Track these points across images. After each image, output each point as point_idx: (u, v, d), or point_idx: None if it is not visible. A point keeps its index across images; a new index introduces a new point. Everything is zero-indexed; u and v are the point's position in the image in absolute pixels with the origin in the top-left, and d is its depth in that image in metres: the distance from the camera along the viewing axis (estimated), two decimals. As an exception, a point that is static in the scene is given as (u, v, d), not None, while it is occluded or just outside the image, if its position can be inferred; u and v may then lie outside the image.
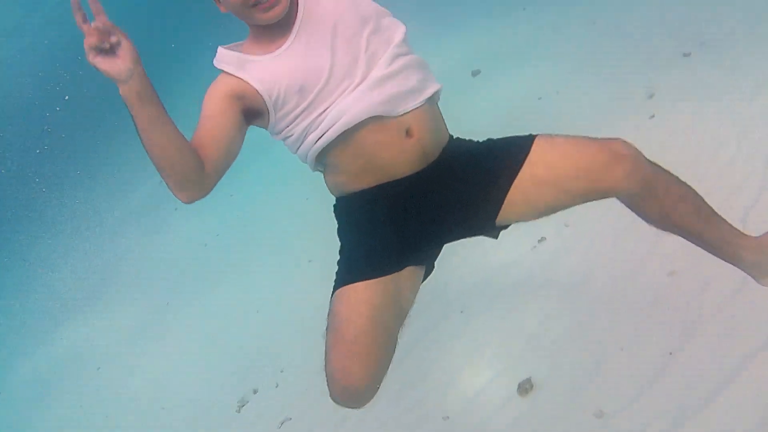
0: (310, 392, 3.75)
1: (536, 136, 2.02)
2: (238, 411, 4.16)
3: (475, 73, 6.70)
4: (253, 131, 2.07)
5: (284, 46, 1.93)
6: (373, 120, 1.91)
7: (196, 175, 1.81)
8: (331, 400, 1.92)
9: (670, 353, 2.63)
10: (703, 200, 2.01)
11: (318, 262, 5.00)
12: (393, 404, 3.25)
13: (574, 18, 6.53)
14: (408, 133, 1.96)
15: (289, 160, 2.15)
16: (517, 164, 1.97)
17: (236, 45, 2.04)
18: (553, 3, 7.16)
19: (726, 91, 4.00)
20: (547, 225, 3.60)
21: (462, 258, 3.78)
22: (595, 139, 1.95)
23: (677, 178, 1.99)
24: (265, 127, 2.05)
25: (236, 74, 1.93)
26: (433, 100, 2.07)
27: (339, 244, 2.14)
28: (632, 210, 2.04)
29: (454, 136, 2.17)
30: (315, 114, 1.92)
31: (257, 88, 1.91)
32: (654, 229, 2.97)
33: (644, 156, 1.93)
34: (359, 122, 1.90)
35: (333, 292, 1.98)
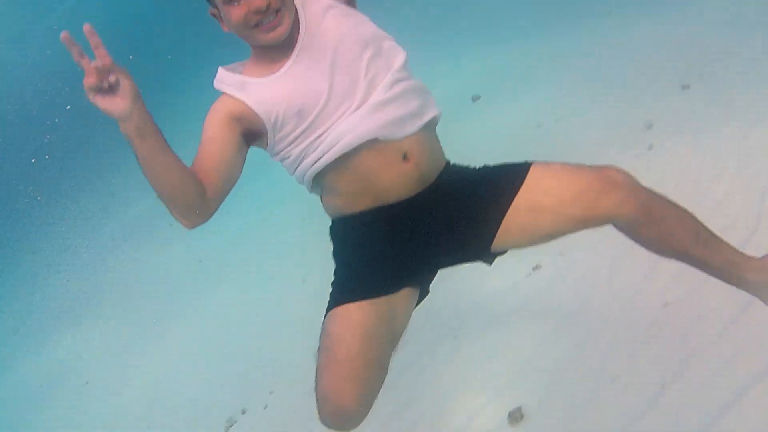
0: (298, 414, 3.71)
1: (532, 163, 2.02)
2: (226, 431, 4.12)
3: (475, 99, 6.73)
4: (252, 150, 2.07)
5: (284, 69, 1.94)
6: (371, 144, 1.91)
7: (198, 203, 1.82)
8: (320, 423, 1.90)
9: (663, 386, 2.61)
10: (702, 224, 1.99)
11: (312, 282, 4.98)
12: (382, 429, 3.22)
13: (574, 48, 6.58)
14: (405, 157, 1.96)
15: (287, 178, 2.15)
16: (513, 190, 1.97)
17: (237, 65, 2.05)
18: (555, 33, 7.22)
19: (724, 124, 4.02)
20: (542, 253, 3.60)
21: (456, 283, 3.76)
22: (590, 166, 1.96)
23: (674, 202, 1.99)
24: (265, 148, 2.06)
25: (236, 95, 1.94)
26: (431, 125, 2.08)
27: (333, 265, 2.13)
28: (630, 237, 2.02)
29: (451, 162, 2.17)
30: (313, 136, 1.93)
31: (256, 110, 1.92)
32: (649, 259, 2.97)
33: (639, 182, 1.94)
34: (357, 146, 1.90)
35: (326, 313, 1.97)
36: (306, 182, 2.07)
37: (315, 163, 1.96)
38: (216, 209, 1.92)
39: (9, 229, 12.96)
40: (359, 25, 2.02)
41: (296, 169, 2.03)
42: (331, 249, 2.18)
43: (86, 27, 1.58)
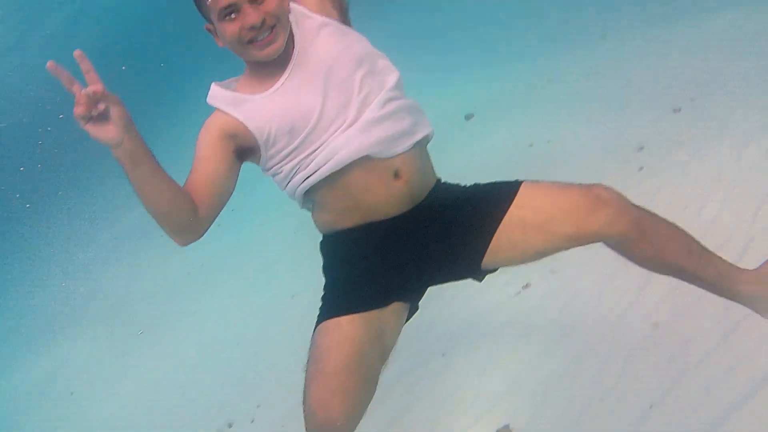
0: (285, 429, 3.70)
1: (522, 181, 2.04)
2: (212, 444, 4.10)
3: (468, 117, 6.77)
4: (245, 163, 2.08)
5: (276, 85, 1.95)
6: (363, 161, 1.92)
7: (190, 222, 1.85)
8: (307, 438, 1.89)
9: (651, 406, 2.62)
10: (693, 238, 2.00)
11: (302, 297, 4.97)
12: (370, 445, 3.20)
13: (568, 69, 6.64)
14: (396, 175, 1.97)
15: (279, 193, 2.15)
16: (503, 208, 1.98)
17: (231, 81, 2.06)
18: (549, 55, 7.28)
19: (715, 146, 4.06)
20: (532, 271, 3.62)
21: (446, 301, 3.77)
22: (579, 184, 1.97)
23: (663, 218, 1.99)
24: (257, 163, 2.07)
25: (229, 112, 1.95)
26: (422, 143, 2.09)
27: (324, 280, 2.13)
28: (622, 254, 2.02)
29: (442, 180, 2.18)
30: (305, 153, 1.93)
31: (249, 127, 1.93)
32: (639, 279, 2.99)
33: (627, 199, 1.95)
34: (349, 163, 1.91)
35: (316, 326, 1.97)
36: (297, 198, 2.07)
37: (306, 179, 1.97)
38: (208, 227, 1.94)
39: (-2, 237, 12.88)
40: (354, 43, 2.02)
41: (287, 184, 2.03)
42: (321, 264, 2.19)
43: (77, 53, 1.58)
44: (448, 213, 2.05)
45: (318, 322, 1.96)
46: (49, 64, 1.53)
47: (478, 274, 2.08)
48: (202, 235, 1.94)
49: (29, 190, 12.96)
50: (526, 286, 3.67)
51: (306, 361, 1.91)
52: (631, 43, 6.53)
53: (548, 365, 3.11)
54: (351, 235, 2.06)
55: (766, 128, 3.99)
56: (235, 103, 1.96)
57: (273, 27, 1.85)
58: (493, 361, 3.31)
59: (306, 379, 1.86)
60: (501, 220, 1.97)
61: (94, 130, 1.59)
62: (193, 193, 1.86)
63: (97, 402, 5.57)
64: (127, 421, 4.98)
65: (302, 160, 1.95)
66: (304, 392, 1.83)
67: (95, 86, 1.56)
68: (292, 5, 2.02)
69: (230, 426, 4.15)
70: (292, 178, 1.99)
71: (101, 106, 1.58)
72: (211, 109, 2.01)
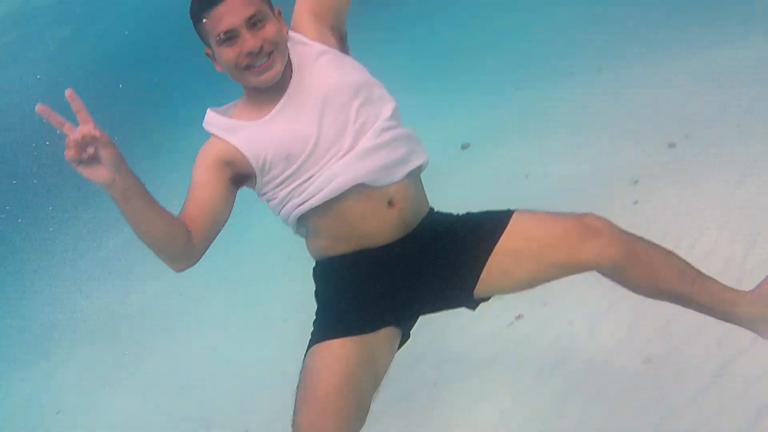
0: (273, 454, 3.66)
1: (514, 210, 2.05)
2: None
3: (464, 147, 6.80)
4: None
5: (273, 112, 1.96)
6: (357, 189, 1.93)
7: (184, 251, 1.86)
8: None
9: (642, 442, 2.60)
10: (686, 262, 1.99)
11: (293, 322, 4.94)
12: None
13: (565, 102, 6.69)
14: (390, 203, 1.98)
15: (274, 217, 2.15)
16: (495, 236, 1.99)
17: (227, 107, 2.07)
18: (546, 86, 7.34)
19: (708, 183, 4.09)
20: (524, 302, 3.61)
21: (438, 330, 3.75)
22: (571, 214, 1.99)
23: (656, 244, 1.99)
24: (253, 188, 2.07)
25: (225, 138, 1.96)
26: (417, 172, 2.10)
27: (316, 306, 2.12)
28: (616, 281, 2.01)
29: (434, 209, 2.19)
30: (300, 180, 1.94)
31: (245, 153, 1.93)
32: (631, 314, 2.98)
33: (619, 227, 1.95)
34: (343, 190, 1.91)
35: (307, 349, 1.96)
36: (290, 223, 2.08)
37: (300, 205, 1.97)
38: (203, 254, 1.95)
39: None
40: (351, 71, 2.04)
41: (281, 210, 2.04)
42: (314, 289, 2.18)
43: (68, 92, 1.59)
44: (440, 241, 2.05)
45: (309, 346, 1.96)
46: (38, 107, 1.55)
47: (471, 302, 2.08)
48: (197, 262, 1.94)
49: (21, 204, 12.92)
50: (519, 317, 3.66)
51: (296, 384, 1.89)
52: (626, 77, 6.59)
53: (539, 398, 3.09)
54: (344, 261, 2.06)
55: (761, 165, 4.02)
56: (232, 130, 1.97)
57: (271, 53, 1.86)
58: (484, 392, 3.29)
59: (296, 401, 1.84)
60: (493, 248, 1.98)
61: (85, 171, 1.60)
62: (188, 221, 1.87)
63: (84, 422, 5.49)
64: (113, 442, 4.92)
65: (297, 186, 1.95)
66: (294, 415, 1.82)
67: (84, 128, 1.56)
68: (291, 33, 2.04)
69: (217, 450, 4.11)
70: (286, 204, 2.00)
71: (90, 150, 1.59)
72: (208, 134, 2.02)
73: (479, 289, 2.01)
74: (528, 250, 1.95)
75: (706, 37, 6.49)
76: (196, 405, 4.73)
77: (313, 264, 2.19)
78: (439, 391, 3.47)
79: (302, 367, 1.91)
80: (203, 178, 1.94)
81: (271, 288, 5.87)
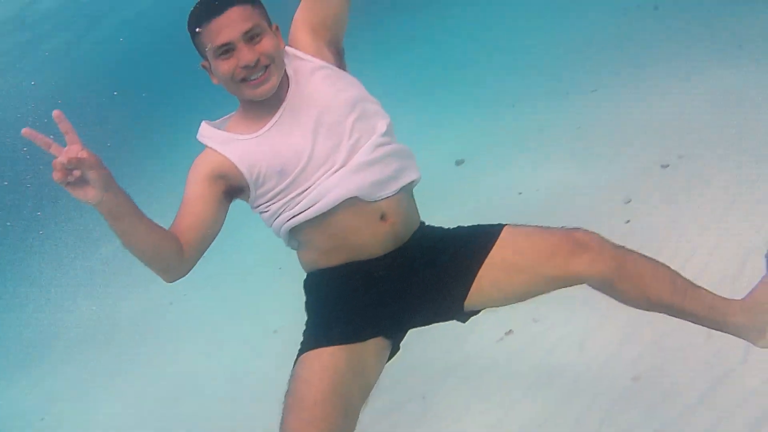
0: (260, 465, 3.64)
1: (505, 225, 2.07)
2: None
3: (459, 163, 6.84)
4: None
5: (268, 126, 1.97)
6: (350, 203, 1.94)
7: (174, 264, 1.88)
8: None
9: (629, 460, 2.61)
10: (677, 273, 2.01)
11: (283, 333, 4.94)
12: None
13: (560, 120, 6.74)
14: (383, 217, 1.99)
15: (266, 228, 2.16)
16: (486, 250, 2.01)
17: (222, 120, 2.08)
18: (541, 104, 7.40)
19: (700, 204, 4.12)
20: (515, 318, 3.62)
21: (428, 344, 3.75)
22: (560, 228, 2.02)
23: (646, 256, 2.01)
24: (247, 201, 2.08)
25: (219, 150, 1.97)
26: (409, 187, 2.11)
27: (306, 317, 2.13)
28: (607, 294, 2.03)
29: (426, 223, 2.21)
30: (293, 194, 1.95)
31: (239, 166, 1.95)
32: (621, 330, 3.00)
33: (608, 241, 1.98)
34: (336, 204, 1.92)
35: (297, 358, 1.96)
36: (283, 236, 2.09)
37: (292, 218, 1.98)
38: (193, 265, 1.96)
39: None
40: (347, 87, 2.05)
41: (273, 222, 2.05)
42: (305, 301, 2.19)
43: (55, 113, 1.61)
44: (431, 254, 2.07)
45: (299, 354, 1.96)
46: (24, 131, 1.56)
47: (462, 315, 2.09)
48: (188, 273, 1.95)
49: (8, 207, 12.87)
50: (509, 332, 3.67)
51: (285, 392, 1.89)
52: (620, 97, 6.65)
53: (527, 413, 3.09)
54: (335, 273, 2.07)
55: (753, 187, 4.06)
56: (226, 142, 1.98)
57: (267, 67, 1.87)
58: (473, 407, 3.29)
59: (284, 409, 1.84)
60: (483, 261, 2.00)
61: (74, 192, 1.61)
62: (179, 233, 1.88)
63: (68, 428, 5.46)
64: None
65: (290, 200, 1.96)
66: (282, 422, 1.81)
67: (70, 151, 1.57)
68: (288, 48, 2.06)
69: (205, 461, 4.08)
70: (278, 216, 2.01)
71: (77, 173, 1.59)
72: (202, 144, 2.03)
73: (470, 302, 2.02)
74: (518, 263, 1.97)
75: (700, 60, 6.56)
76: (185, 414, 4.71)
77: (305, 276, 2.20)
78: (428, 404, 3.47)
79: (291, 375, 1.92)
80: (196, 190, 1.95)
81: (262, 299, 5.87)
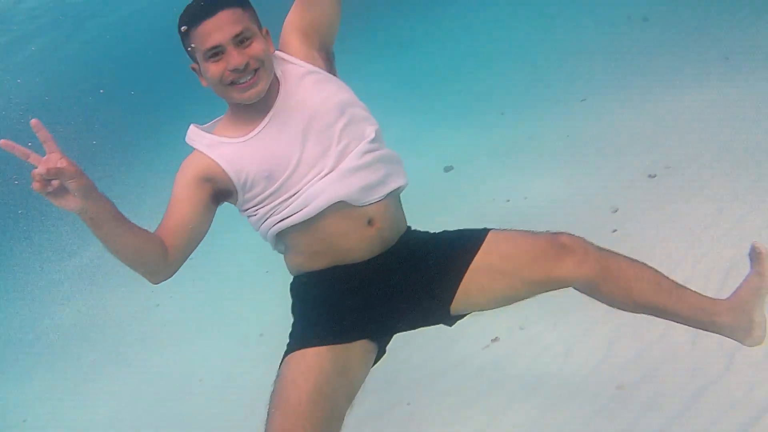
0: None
1: (490, 229, 2.07)
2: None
3: (447, 169, 6.85)
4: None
5: (256, 130, 1.97)
6: (338, 208, 1.94)
7: (158, 267, 1.88)
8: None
9: (612, 469, 2.61)
10: (662, 275, 2.02)
11: (269, 337, 4.92)
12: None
13: (549, 129, 6.77)
14: (370, 222, 1.99)
15: (253, 232, 2.15)
16: (471, 254, 2.02)
17: (211, 124, 2.08)
18: (531, 113, 7.43)
19: (686, 214, 4.15)
20: (501, 325, 3.63)
21: (414, 350, 3.75)
22: (545, 232, 2.03)
23: (630, 258, 2.03)
24: (235, 204, 2.07)
25: (207, 153, 1.96)
26: (397, 193, 2.11)
27: (292, 320, 2.12)
28: (593, 297, 2.04)
29: (412, 227, 2.21)
30: (281, 199, 1.95)
31: (227, 170, 1.94)
32: (606, 340, 3.00)
33: (592, 244, 1.99)
34: (324, 210, 1.92)
35: (282, 359, 1.95)
36: (270, 239, 2.08)
37: (279, 222, 1.98)
38: (179, 267, 1.96)
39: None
40: (336, 92, 2.05)
41: (261, 226, 2.04)
42: (291, 304, 2.18)
43: (33, 122, 1.60)
44: (417, 258, 2.07)
45: (285, 355, 1.96)
46: (1, 142, 1.55)
47: (448, 319, 2.09)
48: (173, 275, 1.95)
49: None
50: (495, 339, 3.67)
51: (270, 393, 1.89)
52: (610, 108, 6.69)
53: (512, 421, 3.09)
54: (321, 276, 2.07)
55: (738, 200, 4.10)
56: (214, 145, 1.98)
57: (256, 70, 1.87)
58: (458, 413, 3.29)
59: (269, 408, 1.83)
60: (469, 264, 2.01)
61: (55, 201, 1.61)
62: (164, 235, 1.88)
63: (50, 431, 5.41)
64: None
65: (278, 204, 1.96)
66: (267, 421, 1.81)
67: (49, 161, 1.57)
68: (279, 52, 2.05)
69: (188, 465, 4.06)
70: (266, 220, 2.01)
71: (54, 183, 1.59)
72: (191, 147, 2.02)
73: (456, 306, 2.03)
74: (503, 266, 1.98)
75: (688, 71, 6.63)
76: (169, 418, 4.68)
77: (291, 279, 2.20)
78: (412, 410, 3.47)
79: (277, 376, 1.91)
80: (183, 193, 1.94)
81: (248, 302, 5.85)
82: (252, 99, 1.90)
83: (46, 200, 1.60)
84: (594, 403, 2.98)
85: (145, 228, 1.85)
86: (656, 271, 2.02)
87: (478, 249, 2.02)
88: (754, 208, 3.96)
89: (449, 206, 5.67)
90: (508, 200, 5.46)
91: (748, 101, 5.41)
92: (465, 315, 2.10)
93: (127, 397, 5.31)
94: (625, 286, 1.96)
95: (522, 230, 2.07)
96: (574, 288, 2.00)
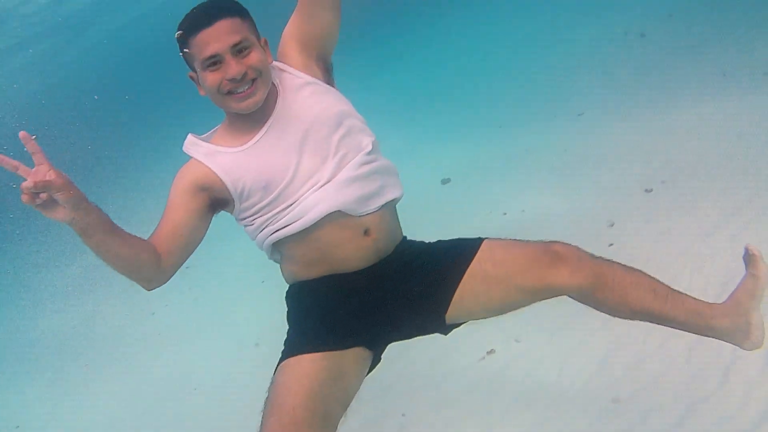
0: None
1: (484, 238, 2.08)
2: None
3: (444, 182, 6.86)
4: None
5: (253, 140, 1.97)
6: (334, 218, 1.94)
7: (151, 274, 1.90)
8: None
9: (606, 482, 2.61)
10: (658, 281, 2.02)
11: (264, 346, 4.91)
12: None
13: (546, 143, 6.78)
14: (366, 233, 2.00)
15: (250, 241, 2.16)
16: (466, 262, 2.02)
17: (209, 134, 2.08)
18: (529, 126, 7.45)
19: (682, 229, 4.16)
20: (497, 337, 3.62)
21: (410, 361, 3.75)
22: (539, 241, 2.03)
23: (624, 265, 2.03)
24: (231, 213, 2.08)
25: (204, 162, 1.97)
26: (393, 203, 2.12)
27: (287, 328, 2.12)
28: (589, 304, 2.04)
29: (407, 237, 2.21)
30: (278, 209, 1.95)
31: (223, 180, 1.95)
32: (602, 353, 3.00)
33: (586, 252, 1.99)
34: (320, 219, 1.93)
35: (277, 366, 1.95)
36: (265, 249, 2.09)
37: (276, 232, 1.99)
38: (173, 274, 1.96)
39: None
40: (334, 104, 2.05)
41: (257, 236, 2.05)
42: (286, 312, 2.18)
43: (21, 134, 1.61)
44: (412, 267, 2.08)
45: (279, 362, 1.96)
46: None
47: (444, 327, 2.09)
48: (166, 282, 1.96)
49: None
50: (491, 352, 3.67)
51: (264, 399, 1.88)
52: (607, 122, 6.71)
53: (507, 433, 3.09)
54: (317, 284, 2.07)
55: (734, 215, 4.11)
56: (212, 154, 1.98)
57: (254, 80, 1.88)
58: (453, 425, 3.28)
59: (263, 414, 1.83)
60: (464, 274, 2.01)
61: (45, 212, 1.62)
62: (159, 242, 1.88)
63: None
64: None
65: (275, 215, 1.97)
66: (261, 429, 1.80)
67: (38, 173, 1.58)
68: (277, 63, 2.06)
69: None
70: (262, 230, 2.01)
71: (43, 196, 1.60)
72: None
73: (451, 314, 2.03)
74: (498, 275, 1.98)
75: (684, 87, 6.65)
76: (164, 425, 4.66)
77: (287, 287, 2.20)
78: (406, 421, 3.46)
79: (271, 382, 1.91)
80: (178, 200, 1.95)
81: (243, 311, 5.84)
82: (249, 109, 1.91)
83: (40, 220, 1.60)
84: (590, 414, 2.98)
85: (141, 236, 1.86)
86: (651, 277, 2.02)
87: (473, 257, 2.02)
88: (751, 223, 3.97)
89: (446, 218, 5.67)
90: (505, 213, 5.47)
91: (745, 116, 5.43)
92: (460, 324, 2.11)
93: (122, 405, 5.29)
94: (621, 293, 1.96)
95: (516, 239, 2.08)
96: (570, 296, 2.00)
